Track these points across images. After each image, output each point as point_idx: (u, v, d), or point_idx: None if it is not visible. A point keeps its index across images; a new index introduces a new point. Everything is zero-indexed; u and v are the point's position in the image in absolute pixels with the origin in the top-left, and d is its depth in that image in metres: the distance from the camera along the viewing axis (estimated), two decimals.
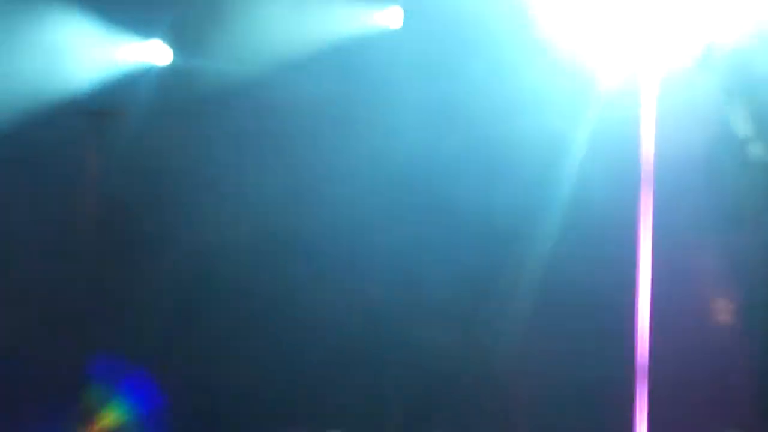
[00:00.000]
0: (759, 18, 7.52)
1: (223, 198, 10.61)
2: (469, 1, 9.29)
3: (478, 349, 10.54)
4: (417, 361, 10.86)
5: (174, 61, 10.93)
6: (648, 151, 7.02)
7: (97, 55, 10.66)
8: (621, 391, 7.93)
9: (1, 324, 10.97)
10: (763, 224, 8.87)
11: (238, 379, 11.01)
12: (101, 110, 10.45)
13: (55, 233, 11.09)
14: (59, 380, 10.28)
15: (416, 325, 10.84)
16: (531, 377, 10.37)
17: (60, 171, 10.74)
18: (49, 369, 10.42)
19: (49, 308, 11.13)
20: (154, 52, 10.87)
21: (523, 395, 10.26)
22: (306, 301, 10.60)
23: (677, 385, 8.25)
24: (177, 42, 10.91)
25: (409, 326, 10.85)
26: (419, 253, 10.71)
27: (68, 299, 11.27)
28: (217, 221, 10.83)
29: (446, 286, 10.68)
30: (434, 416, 9.17)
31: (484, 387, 10.29)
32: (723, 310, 8.75)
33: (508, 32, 8.82)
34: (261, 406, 10.66)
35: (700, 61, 7.88)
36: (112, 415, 11.61)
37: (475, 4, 9.35)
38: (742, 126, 8.21)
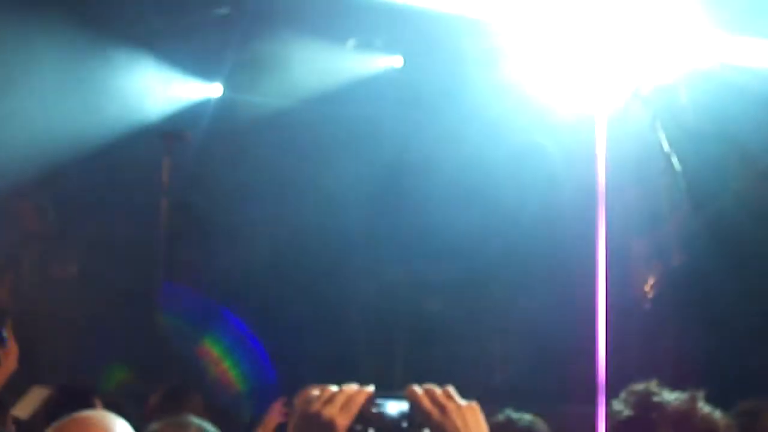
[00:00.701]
0: (685, 60, 8.44)
1: (266, 201, 11.77)
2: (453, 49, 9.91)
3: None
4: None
5: (224, 94, 12.43)
6: (601, 164, 7.52)
7: (168, 91, 12.16)
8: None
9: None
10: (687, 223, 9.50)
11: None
12: (171, 133, 11.77)
13: (136, 231, 12.23)
14: None
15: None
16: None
17: (140, 179, 12.06)
18: None
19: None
20: (209, 88, 12.39)
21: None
22: (333, 283, 11.62)
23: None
24: (227, 80, 12.30)
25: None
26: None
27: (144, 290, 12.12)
28: (263, 219, 11.92)
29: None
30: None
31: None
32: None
33: (483, 74, 9.52)
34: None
35: (637, 95, 8.77)
36: None
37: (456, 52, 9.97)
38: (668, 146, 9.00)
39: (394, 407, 3.73)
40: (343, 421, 3.64)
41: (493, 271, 10.98)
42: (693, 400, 4.09)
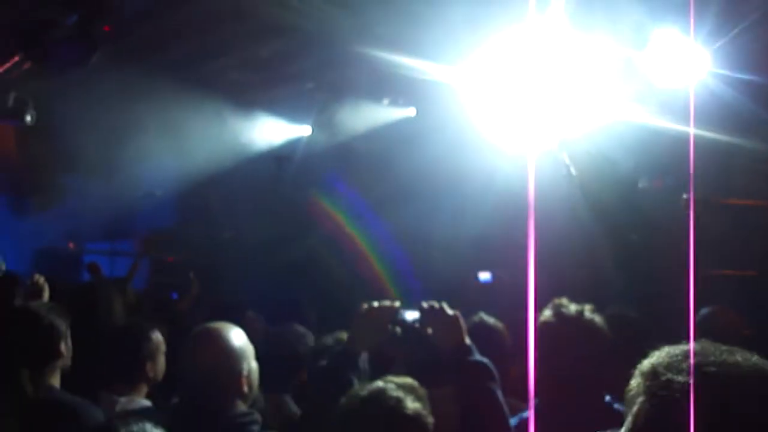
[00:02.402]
0: (605, 114, 8.01)
1: (336, 193, 12.11)
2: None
3: None
4: None
5: (311, 133, 12.66)
6: (532, 182, 7.25)
7: (278, 132, 12.55)
8: None
9: None
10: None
11: None
12: (280, 156, 12.65)
13: (259, 211, 12.78)
14: None
15: None
16: None
17: (261, 181, 12.76)
18: None
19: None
20: (302, 129, 12.72)
21: None
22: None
23: None
24: (313, 124, 12.56)
25: None
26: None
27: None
28: (333, 204, 12.19)
29: None
30: None
31: None
32: None
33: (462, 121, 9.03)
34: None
35: (561, 143, 8.76)
36: None
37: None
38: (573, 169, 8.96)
39: (411, 315, 4.14)
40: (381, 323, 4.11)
41: (467, 236, 11.11)
42: (582, 309, 4.13)
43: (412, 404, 3.31)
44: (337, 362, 3.99)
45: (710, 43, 6.68)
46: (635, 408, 1.99)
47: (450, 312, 4.11)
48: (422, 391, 3.54)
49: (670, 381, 1.91)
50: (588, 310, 4.22)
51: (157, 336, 5.31)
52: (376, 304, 4.16)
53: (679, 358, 1.95)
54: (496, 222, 10.16)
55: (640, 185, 9.51)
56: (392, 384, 3.42)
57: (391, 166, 11.32)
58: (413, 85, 10.16)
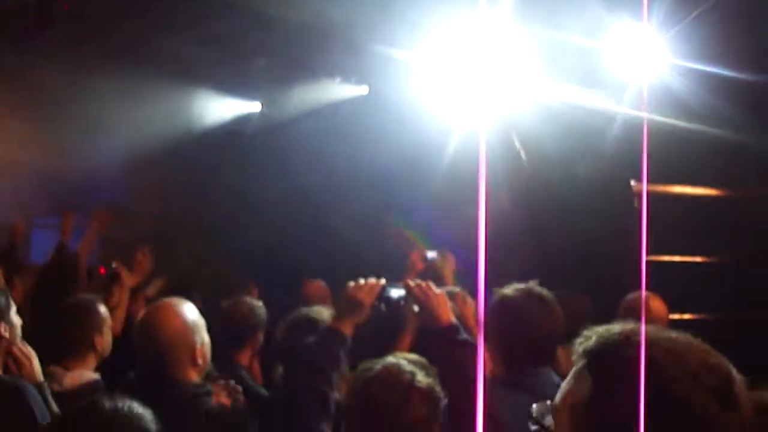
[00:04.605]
0: (555, 99, 8.01)
1: (286, 173, 11.78)
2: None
3: None
4: None
5: (261, 109, 12.69)
6: (483, 154, 7.35)
7: (226, 107, 12.60)
8: None
9: None
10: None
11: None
12: (231, 132, 12.63)
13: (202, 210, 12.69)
14: None
15: None
16: None
17: (208, 163, 12.66)
18: None
19: None
20: (253, 105, 12.73)
21: None
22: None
23: None
24: (263, 100, 12.61)
25: None
26: None
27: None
28: (281, 199, 11.90)
29: None
30: None
31: None
32: None
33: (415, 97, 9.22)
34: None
35: (511, 126, 8.95)
36: None
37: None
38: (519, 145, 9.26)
39: (396, 292, 4.17)
40: (368, 300, 4.12)
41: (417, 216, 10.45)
42: (541, 289, 4.23)
43: (425, 378, 3.46)
44: (326, 339, 4.05)
45: (664, 31, 6.69)
46: (575, 384, 2.03)
47: (436, 290, 4.11)
48: (432, 369, 3.64)
49: (620, 358, 1.93)
50: (545, 290, 4.30)
51: (104, 309, 5.39)
52: (362, 281, 4.18)
53: (623, 336, 1.98)
54: (446, 202, 10.09)
55: (588, 170, 9.38)
56: (404, 360, 3.57)
57: (343, 142, 11.28)
58: (367, 63, 10.18)
